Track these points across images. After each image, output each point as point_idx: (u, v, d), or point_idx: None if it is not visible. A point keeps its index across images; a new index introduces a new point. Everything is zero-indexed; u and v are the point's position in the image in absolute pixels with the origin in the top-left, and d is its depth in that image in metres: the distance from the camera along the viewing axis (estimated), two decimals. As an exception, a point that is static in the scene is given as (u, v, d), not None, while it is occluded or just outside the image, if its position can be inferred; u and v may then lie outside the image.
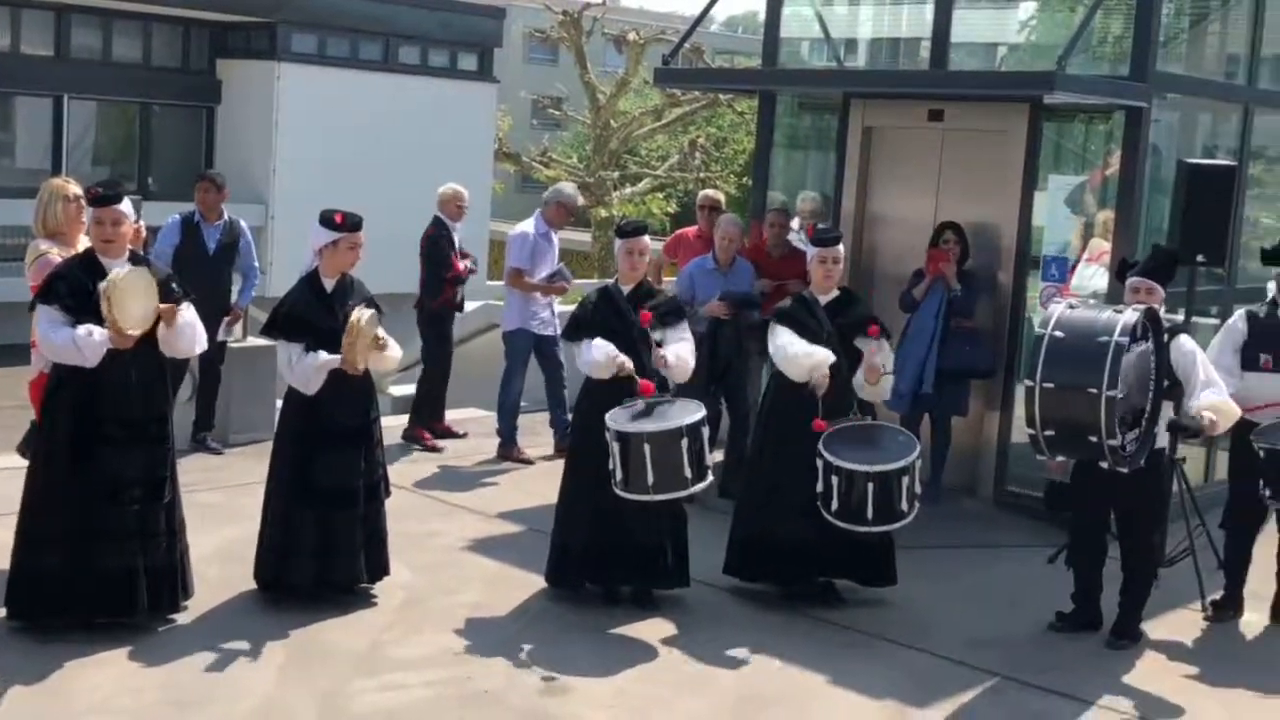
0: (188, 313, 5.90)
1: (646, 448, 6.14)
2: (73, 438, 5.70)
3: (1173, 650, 6.49)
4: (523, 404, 9.54)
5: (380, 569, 6.49)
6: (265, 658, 5.76)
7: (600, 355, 6.45)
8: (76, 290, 5.68)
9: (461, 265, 9.52)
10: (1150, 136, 8.39)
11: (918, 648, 6.32)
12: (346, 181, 18.32)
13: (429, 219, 9.67)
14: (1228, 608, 6.95)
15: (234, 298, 9.22)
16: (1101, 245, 8.68)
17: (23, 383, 6.38)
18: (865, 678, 5.91)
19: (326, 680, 5.58)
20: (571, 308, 7.34)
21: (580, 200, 10.31)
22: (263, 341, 7.31)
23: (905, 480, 6.34)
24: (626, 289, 6.71)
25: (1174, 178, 7.70)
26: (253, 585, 6.41)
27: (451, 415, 10.14)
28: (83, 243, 6.15)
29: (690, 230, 9.93)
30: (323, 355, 6.16)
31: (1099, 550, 6.56)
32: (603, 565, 6.57)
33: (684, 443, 6.18)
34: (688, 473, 6.21)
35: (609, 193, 28.44)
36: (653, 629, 6.35)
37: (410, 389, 10.55)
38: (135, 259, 5.87)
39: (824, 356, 6.50)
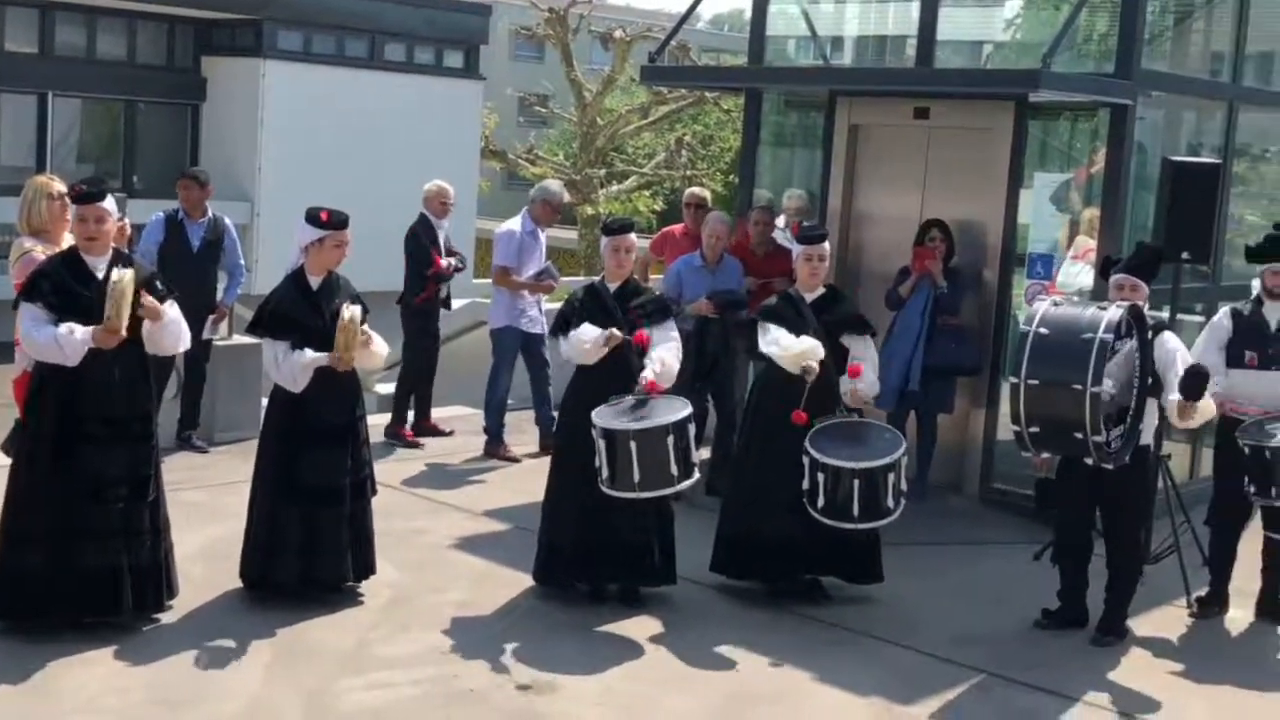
0: (172, 310, 5.88)
1: (633, 445, 6.14)
2: (56, 436, 5.68)
3: (1158, 647, 6.51)
4: (510, 402, 9.54)
5: (367, 567, 6.48)
6: (251, 656, 5.75)
7: (590, 334, 6.45)
8: (60, 288, 5.66)
9: (444, 262, 9.49)
10: (1135, 134, 8.41)
11: (904, 645, 6.33)
12: (332, 179, 18.31)
13: (415, 216, 9.66)
14: (1213, 604, 6.97)
15: (219, 295, 9.19)
16: (1087, 243, 8.70)
17: (7, 381, 6.36)
18: (852, 675, 5.92)
19: (313, 679, 5.57)
20: (559, 305, 7.34)
21: (566, 197, 10.29)
22: (248, 339, 7.31)
23: (891, 477, 6.35)
24: (613, 286, 6.71)
25: (1159, 175, 7.72)
26: (238, 584, 6.40)
27: (438, 413, 10.12)
28: (67, 240, 6.13)
29: (677, 228, 9.93)
30: (309, 354, 6.15)
31: (1084, 547, 6.57)
32: (590, 563, 6.57)
33: (670, 440, 6.18)
34: (674, 470, 6.21)
35: (595, 190, 28.41)
36: (639, 627, 6.35)
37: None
38: (120, 257, 5.85)
39: (813, 344, 6.51)
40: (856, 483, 6.31)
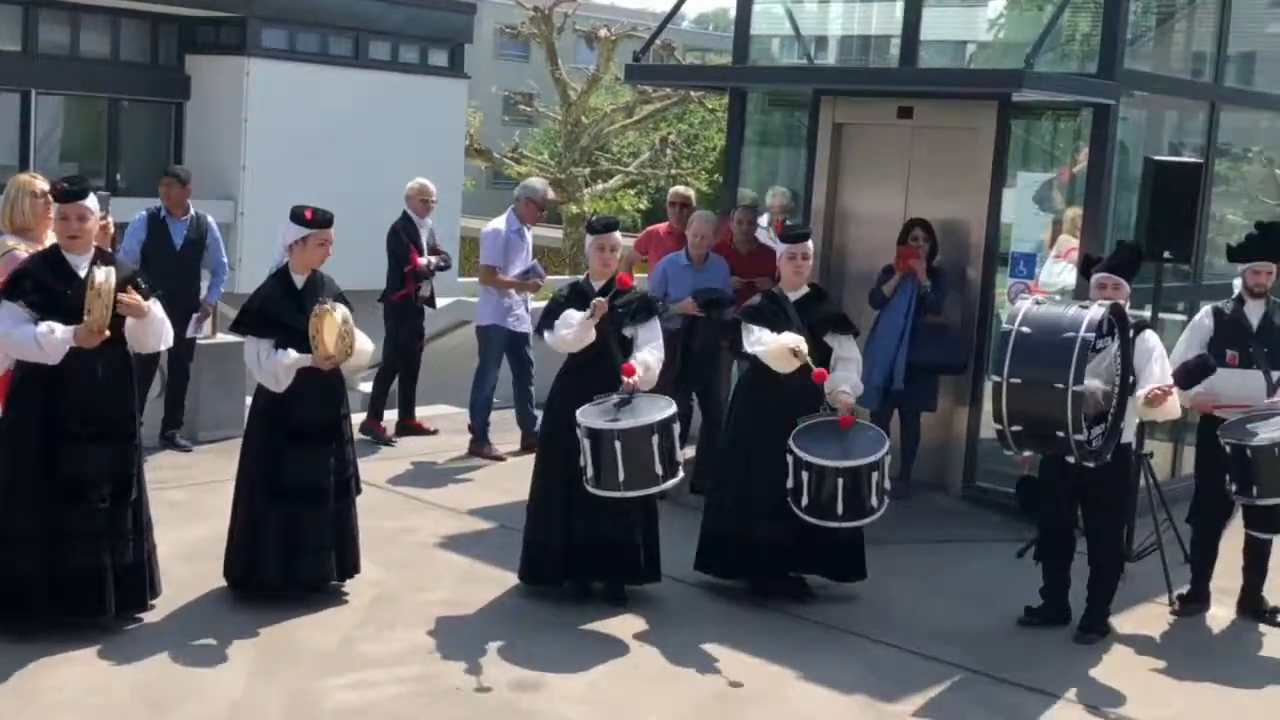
0: (155, 308, 5.87)
1: (618, 444, 6.14)
2: (38, 435, 5.66)
3: (1140, 644, 6.54)
4: (495, 400, 9.54)
5: (351, 566, 6.48)
6: (235, 656, 5.74)
7: (576, 315, 6.44)
8: (41, 287, 5.64)
9: (422, 260, 9.48)
10: (1118, 134, 8.45)
11: (888, 642, 6.35)
12: (316, 177, 18.26)
13: (399, 215, 9.65)
14: (1194, 602, 7.00)
15: (203, 294, 9.17)
16: (1070, 242, 8.74)
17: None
18: (837, 672, 5.93)
19: (297, 678, 5.56)
20: (544, 304, 7.34)
21: (550, 195, 10.29)
22: (232, 338, 7.29)
23: (875, 476, 6.37)
24: (598, 285, 6.72)
25: (1141, 174, 7.76)
26: (222, 583, 6.38)
27: (422, 412, 10.11)
28: (50, 239, 6.10)
29: (661, 226, 9.94)
30: (292, 353, 6.14)
31: (1067, 545, 6.60)
32: (575, 562, 6.57)
33: (655, 439, 6.18)
34: (659, 469, 6.22)
35: (580, 189, 28.41)
36: (624, 625, 6.36)
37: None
38: (102, 256, 5.83)
39: (795, 336, 6.51)
40: (841, 481, 6.32)
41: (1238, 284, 7.02)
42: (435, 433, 9.88)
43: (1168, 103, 9.53)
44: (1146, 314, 7.61)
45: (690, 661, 6.00)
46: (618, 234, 6.82)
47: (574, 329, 6.45)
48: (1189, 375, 6.38)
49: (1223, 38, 9.25)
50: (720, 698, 5.68)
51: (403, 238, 9.50)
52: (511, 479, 8.47)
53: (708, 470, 7.89)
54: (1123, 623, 6.68)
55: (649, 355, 6.57)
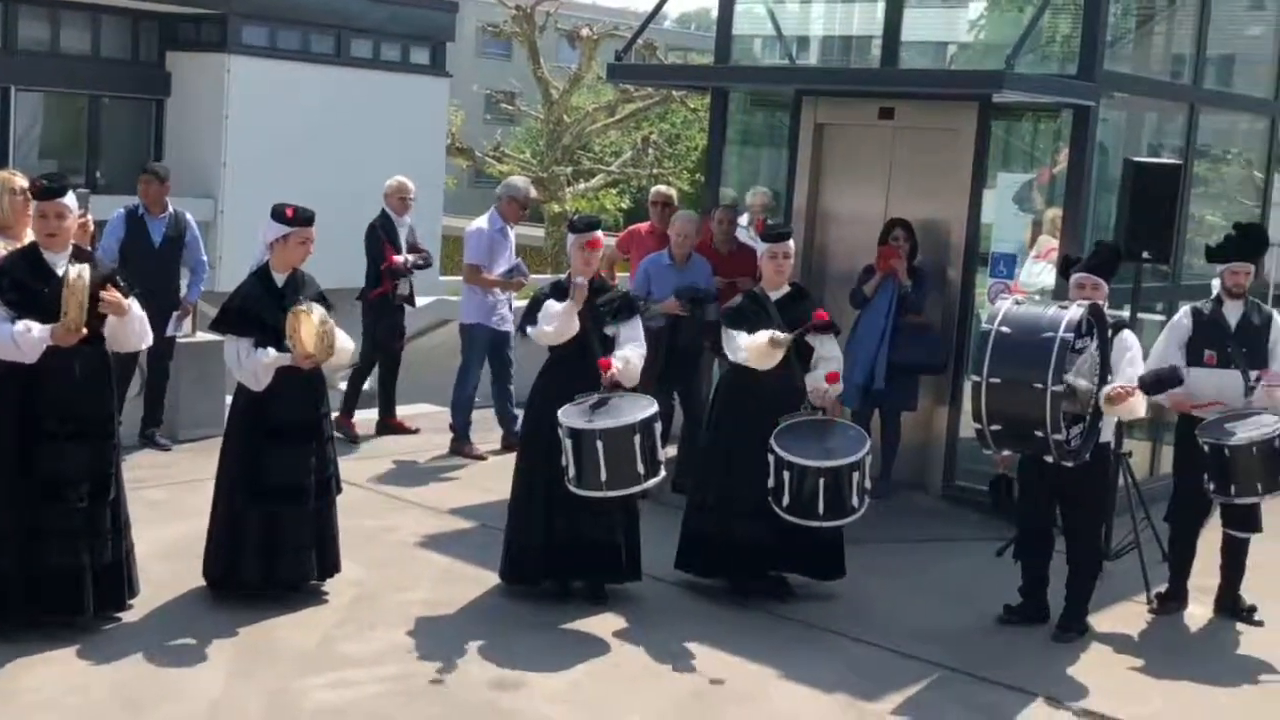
0: (134, 306, 5.84)
1: (599, 444, 6.14)
2: (15, 434, 5.63)
3: (1118, 642, 6.57)
4: (476, 399, 9.53)
5: (331, 566, 6.46)
6: (214, 655, 5.72)
7: (557, 307, 6.43)
8: (18, 285, 5.61)
9: (399, 258, 9.46)
10: (1097, 135, 8.49)
11: (868, 641, 6.37)
12: (297, 175, 18.20)
13: (379, 213, 9.63)
14: (1172, 600, 7.04)
15: (182, 292, 9.13)
16: (1049, 242, 8.77)
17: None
18: (817, 671, 5.95)
19: (276, 678, 5.55)
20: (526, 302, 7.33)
21: (532, 193, 10.27)
22: (212, 336, 7.27)
23: (856, 475, 6.38)
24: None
25: (1120, 175, 7.80)
26: (201, 583, 6.36)
27: (403, 411, 10.10)
28: (29, 237, 6.07)
29: (643, 226, 9.94)
30: (272, 352, 6.12)
31: (1046, 544, 6.63)
32: (556, 561, 6.56)
33: (637, 439, 6.18)
34: (640, 468, 6.22)
35: (562, 188, 28.40)
36: (605, 624, 6.36)
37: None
38: (80, 254, 5.80)
39: (770, 333, 6.50)
40: (822, 481, 6.33)
41: (1216, 284, 7.06)
42: (416, 432, 9.86)
43: (1147, 104, 9.58)
44: (1125, 314, 7.65)
45: (671, 660, 6.01)
46: (600, 233, 6.81)
47: (557, 318, 6.44)
48: (1157, 383, 6.39)
49: (1202, 40, 9.31)
50: (701, 696, 5.69)
51: (380, 235, 9.48)
52: (492, 478, 8.46)
53: (689, 469, 7.90)
54: (1101, 621, 6.71)
55: (630, 352, 6.57)
